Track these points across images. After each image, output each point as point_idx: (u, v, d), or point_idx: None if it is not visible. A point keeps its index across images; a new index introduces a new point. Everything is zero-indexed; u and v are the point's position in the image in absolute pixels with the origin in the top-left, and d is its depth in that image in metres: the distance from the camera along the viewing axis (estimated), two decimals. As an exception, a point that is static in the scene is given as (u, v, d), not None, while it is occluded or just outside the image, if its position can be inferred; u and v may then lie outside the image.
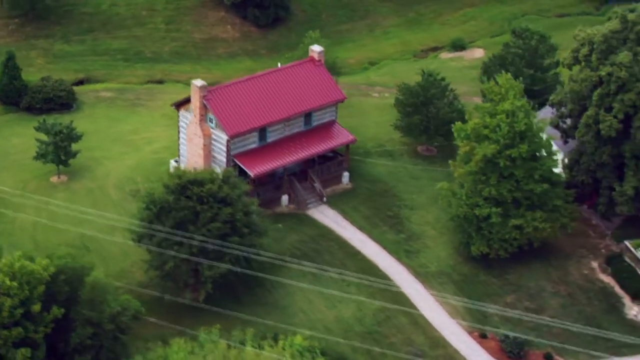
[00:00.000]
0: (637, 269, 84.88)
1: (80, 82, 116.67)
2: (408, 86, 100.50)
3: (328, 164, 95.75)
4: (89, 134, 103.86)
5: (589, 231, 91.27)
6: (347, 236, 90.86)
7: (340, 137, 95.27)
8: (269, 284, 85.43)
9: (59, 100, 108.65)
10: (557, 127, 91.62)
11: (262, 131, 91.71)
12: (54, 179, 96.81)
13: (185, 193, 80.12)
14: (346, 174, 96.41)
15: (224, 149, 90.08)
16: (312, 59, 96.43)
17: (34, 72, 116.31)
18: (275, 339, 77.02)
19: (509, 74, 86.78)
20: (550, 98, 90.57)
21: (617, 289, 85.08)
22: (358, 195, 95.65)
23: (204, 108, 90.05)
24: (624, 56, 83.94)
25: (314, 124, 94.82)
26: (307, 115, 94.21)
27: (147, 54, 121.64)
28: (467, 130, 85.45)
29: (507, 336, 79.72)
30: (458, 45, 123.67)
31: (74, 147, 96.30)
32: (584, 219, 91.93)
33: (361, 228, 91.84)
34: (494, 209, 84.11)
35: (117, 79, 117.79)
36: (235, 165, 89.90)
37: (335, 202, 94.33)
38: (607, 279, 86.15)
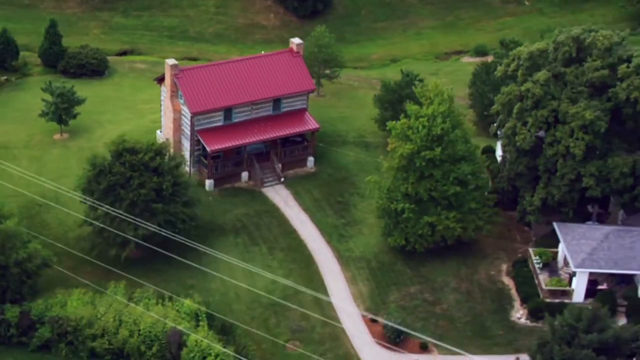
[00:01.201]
0: (534, 275, 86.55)
1: (124, 53, 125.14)
2: (387, 84, 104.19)
3: (292, 148, 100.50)
4: (106, 100, 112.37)
5: (516, 236, 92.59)
6: (290, 215, 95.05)
7: (305, 125, 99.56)
8: (202, 250, 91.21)
9: (91, 67, 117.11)
10: (495, 136, 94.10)
11: (228, 111, 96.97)
12: (57, 136, 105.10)
13: (120, 159, 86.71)
14: (311, 159, 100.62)
15: (189, 123, 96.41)
16: (291, 50, 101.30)
17: (87, 40, 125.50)
18: (171, 300, 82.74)
19: (439, 81, 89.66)
20: (492, 108, 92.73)
21: (513, 292, 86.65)
22: (318, 179, 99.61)
23: (175, 85, 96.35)
24: (542, 74, 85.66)
25: (283, 110, 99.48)
26: (276, 101, 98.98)
27: (191, 33, 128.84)
28: (398, 129, 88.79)
29: (389, 322, 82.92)
30: (480, 51, 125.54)
31: (77, 109, 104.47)
32: (517, 224, 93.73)
33: (306, 210, 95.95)
34: (407, 205, 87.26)
35: (157, 53, 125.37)
36: (199, 139, 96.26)
37: (292, 183, 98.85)
38: (508, 281, 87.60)
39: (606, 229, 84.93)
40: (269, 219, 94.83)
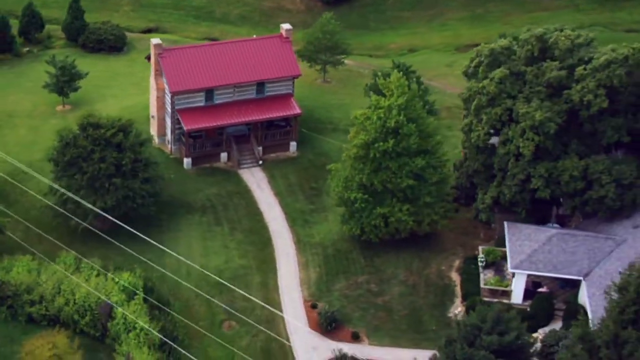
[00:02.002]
0: (479, 273, 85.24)
1: (149, 31, 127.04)
2: (377, 73, 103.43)
3: (274, 132, 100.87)
4: (117, 75, 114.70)
5: (480, 233, 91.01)
6: (260, 198, 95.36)
7: (287, 110, 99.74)
8: (165, 225, 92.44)
9: (109, 43, 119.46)
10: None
11: (209, 92, 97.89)
12: (59, 107, 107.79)
13: (84, 133, 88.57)
14: (294, 144, 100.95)
15: (170, 102, 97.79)
16: (281, 35, 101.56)
17: (117, 16, 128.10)
18: (113, 273, 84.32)
19: (400, 74, 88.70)
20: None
21: (458, 288, 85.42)
22: (297, 164, 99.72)
23: (159, 64, 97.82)
24: (498, 72, 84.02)
25: (267, 94, 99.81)
26: (260, 85, 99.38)
27: (216, 14, 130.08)
28: (359, 119, 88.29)
29: (324, 310, 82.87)
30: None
31: (83, 83, 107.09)
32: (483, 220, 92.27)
33: (277, 193, 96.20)
34: (360, 195, 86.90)
35: (181, 32, 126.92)
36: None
37: (270, 167, 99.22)
38: (456, 278, 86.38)
39: (552, 231, 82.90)
40: (238, 200, 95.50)
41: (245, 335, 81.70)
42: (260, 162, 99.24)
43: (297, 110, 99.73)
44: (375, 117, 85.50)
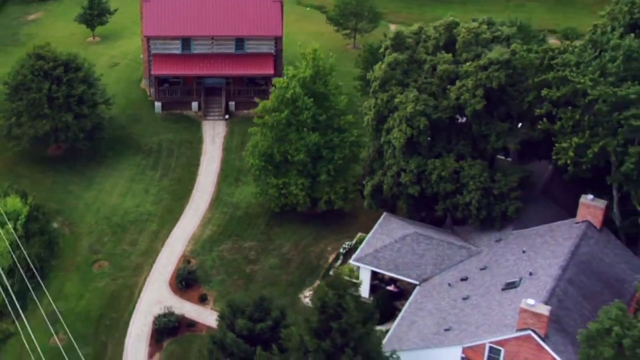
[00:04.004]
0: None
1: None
2: (370, 45, 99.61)
3: (247, 89, 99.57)
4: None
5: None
6: (207, 151, 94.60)
7: (260, 69, 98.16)
8: (105, 162, 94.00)
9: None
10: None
11: (186, 41, 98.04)
12: (89, 39, 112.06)
13: (28, 63, 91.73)
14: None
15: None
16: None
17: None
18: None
19: (292, 67, 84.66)
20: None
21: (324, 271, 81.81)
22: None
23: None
24: (390, 57, 78.30)
25: (247, 51, 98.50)
26: (239, 41, 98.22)
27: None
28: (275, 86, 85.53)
29: (181, 267, 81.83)
30: (568, 35, 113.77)
31: (110, 18, 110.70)
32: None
33: (225, 149, 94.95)
34: (256, 162, 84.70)
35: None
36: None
37: (235, 122, 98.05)
38: (332, 260, 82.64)
39: (410, 230, 77.39)
40: (185, 150, 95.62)
41: (106, 278, 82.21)
42: (227, 116, 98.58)
43: (271, 71, 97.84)
44: (277, 86, 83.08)
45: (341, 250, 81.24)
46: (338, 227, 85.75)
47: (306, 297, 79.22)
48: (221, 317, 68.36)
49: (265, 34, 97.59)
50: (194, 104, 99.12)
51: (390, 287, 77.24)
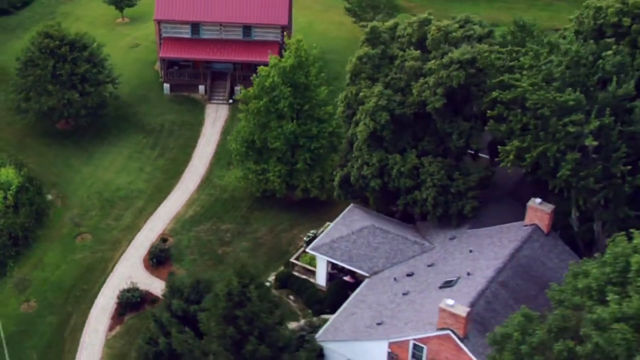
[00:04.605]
0: (307, 248, 79.74)
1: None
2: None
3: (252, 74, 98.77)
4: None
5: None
6: (205, 134, 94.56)
7: (266, 56, 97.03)
8: (108, 139, 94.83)
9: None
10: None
11: (195, 26, 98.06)
12: (119, 20, 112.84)
13: (37, 41, 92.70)
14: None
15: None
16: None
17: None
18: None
19: (275, 56, 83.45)
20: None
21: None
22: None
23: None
24: (360, 50, 77.22)
25: (255, 38, 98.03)
26: (247, 28, 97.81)
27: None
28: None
29: (154, 245, 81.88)
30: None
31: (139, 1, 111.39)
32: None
33: (223, 132, 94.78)
34: (237, 147, 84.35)
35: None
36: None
37: (238, 108, 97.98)
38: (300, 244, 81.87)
39: (369, 222, 75.95)
40: (184, 131, 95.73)
41: (86, 251, 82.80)
42: (231, 101, 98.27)
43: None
44: (260, 74, 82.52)
45: (305, 238, 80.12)
46: (315, 215, 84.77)
47: (268, 281, 78.39)
48: (163, 296, 68.32)
49: (271, 22, 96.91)
50: (201, 87, 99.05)
51: (347, 278, 75.92)
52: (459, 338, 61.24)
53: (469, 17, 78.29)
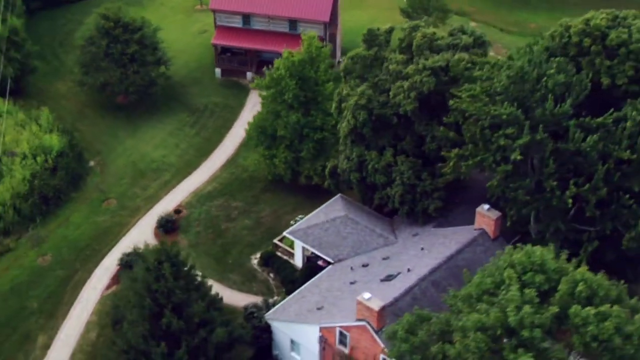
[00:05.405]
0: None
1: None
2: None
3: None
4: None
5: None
6: (243, 117, 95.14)
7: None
8: (157, 114, 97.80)
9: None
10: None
11: (247, 17, 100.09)
12: (197, 7, 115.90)
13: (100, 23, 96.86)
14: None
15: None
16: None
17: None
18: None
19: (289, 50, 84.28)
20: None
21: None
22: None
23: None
24: (352, 52, 77.72)
25: (300, 31, 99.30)
26: (292, 22, 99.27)
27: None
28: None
29: (162, 216, 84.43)
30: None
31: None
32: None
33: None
34: (252, 132, 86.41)
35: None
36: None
37: (258, 94, 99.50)
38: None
39: (344, 213, 76.58)
40: (224, 113, 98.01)
41: (108, 215, 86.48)
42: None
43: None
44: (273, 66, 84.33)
45: (292, 222, 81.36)
46: (318, 201, 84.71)
47: (256, 258, 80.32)
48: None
49: (313, 18, 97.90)
50: (249, 74, 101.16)
51: (320, 262, 76.92)
52: (374, 329, 61.58)
53: (462, 27, 77.33)
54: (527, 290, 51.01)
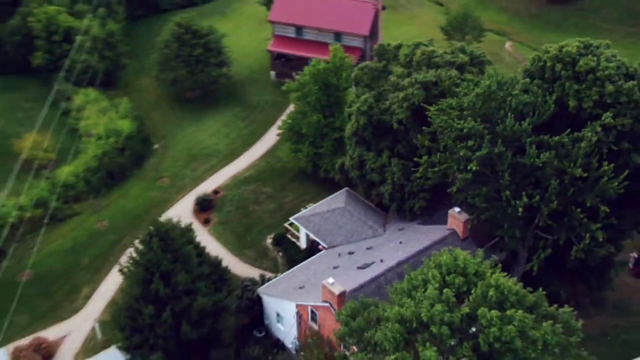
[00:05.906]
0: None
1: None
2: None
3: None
4: None
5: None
6: (287, 113, 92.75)
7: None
8: (216, 108, 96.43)
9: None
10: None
11: (299, 29, 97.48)
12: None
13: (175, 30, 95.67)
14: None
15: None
16: (374, 3, 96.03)
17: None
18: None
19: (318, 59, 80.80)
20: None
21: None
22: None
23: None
24: (362, 64, 74.08)
25: (343, 43, 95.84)
26: (337, 34, 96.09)
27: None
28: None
29: (200, 196, 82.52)
30: None
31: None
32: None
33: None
34: (283, 128, 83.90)
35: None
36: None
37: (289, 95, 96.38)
38: (304, 215, 79.75)
39: (343, 204, 73.32)
40: (272, 110, 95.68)
41: (160, 191, 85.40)
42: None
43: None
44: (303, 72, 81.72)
45: (301, 209, 78.55)
46: (333, 192, 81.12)
47: (270, 238, 78.02)
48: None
49: (354, 32, 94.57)
50: (297, 77, 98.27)
51: (320, 246, 74.02)
52: (335, 310, 58.52)
53: (463, 47, 72.81)
54: (446, 290, 47.07)
